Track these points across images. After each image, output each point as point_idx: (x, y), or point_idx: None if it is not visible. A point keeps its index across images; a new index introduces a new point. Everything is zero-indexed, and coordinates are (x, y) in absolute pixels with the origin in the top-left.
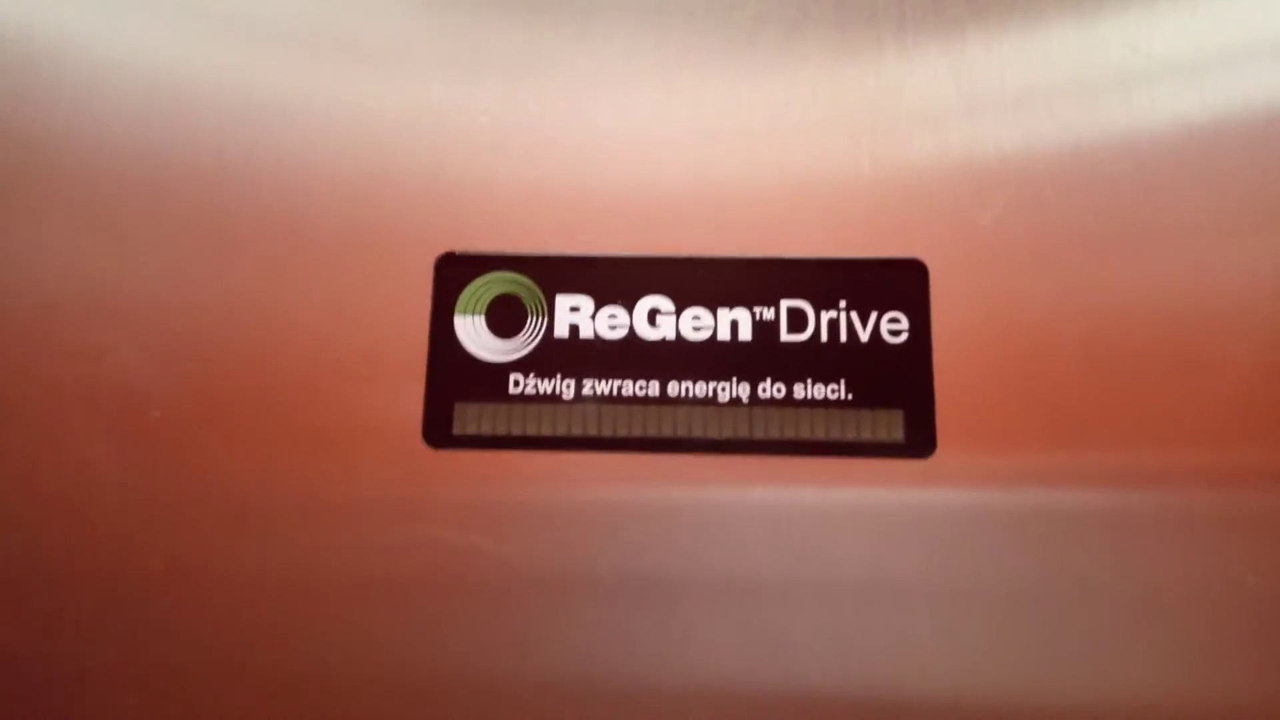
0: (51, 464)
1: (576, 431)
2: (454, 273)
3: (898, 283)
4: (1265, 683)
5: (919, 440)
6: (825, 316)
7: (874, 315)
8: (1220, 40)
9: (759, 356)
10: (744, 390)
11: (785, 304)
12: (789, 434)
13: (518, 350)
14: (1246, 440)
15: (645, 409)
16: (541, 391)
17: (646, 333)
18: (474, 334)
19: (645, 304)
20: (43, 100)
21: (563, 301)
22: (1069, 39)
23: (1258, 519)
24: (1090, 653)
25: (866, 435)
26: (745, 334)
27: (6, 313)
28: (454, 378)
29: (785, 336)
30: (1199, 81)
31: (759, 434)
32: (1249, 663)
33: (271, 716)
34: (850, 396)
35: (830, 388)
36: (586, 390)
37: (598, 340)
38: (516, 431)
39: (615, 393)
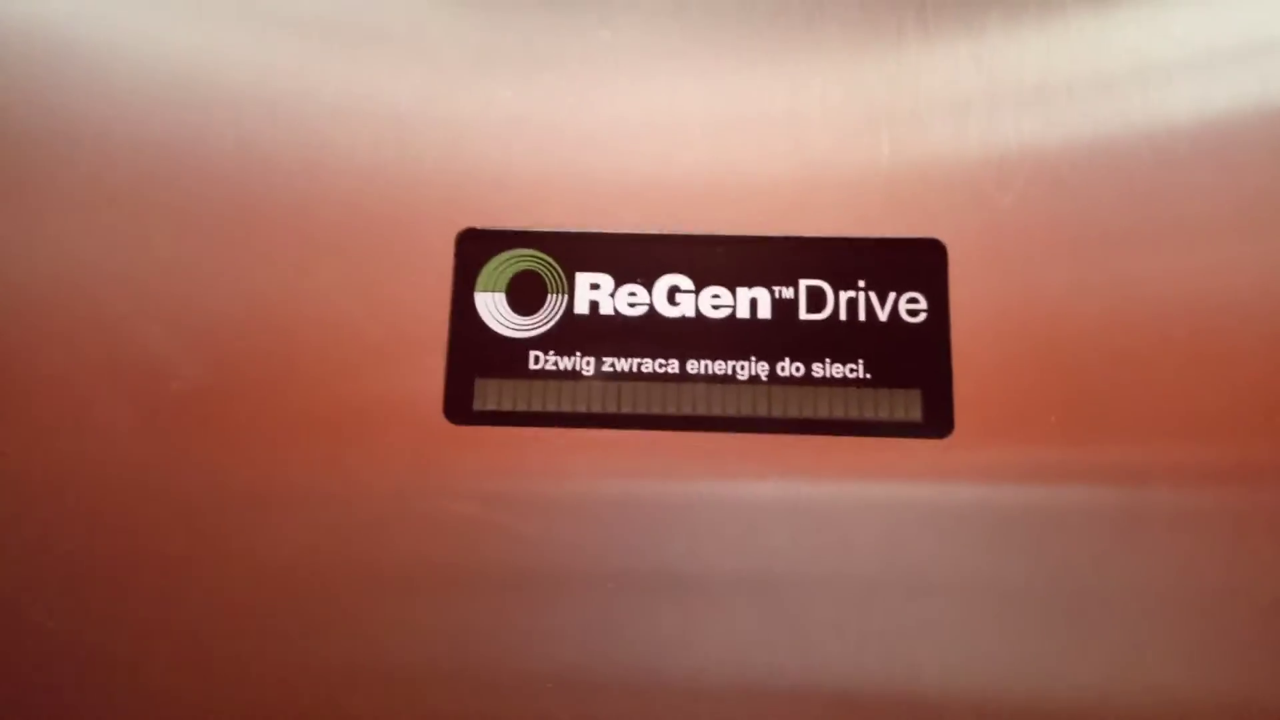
0: (74, 435)
1: (596, 408)
2: (475, 249)
3: (916, 263)
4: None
5: (936, 420)
6: (844, 296)
7: (892, 295)
8: (1239, 30)
9: (778, 335)
10: (763, 369)
11: (804, 283)
12: (807, 413)
13: (538, 327)
14: (1260, 420)
15: (664, 386)
16: (561, 368)
17: (666, 310)
18: (495, 310)
19: (665, 282)
20: (63, 86)
21: (583, 279)
22: (1088, 25)
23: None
24: (1103, 638)
25: (884, 414)
26: (764, 312)
27: (33, 290)
28: (475, 354)
29: (804, 315)
30: (1218, 71)
31: (777, 412)
32: (1263, 657)
33: (287, 693)
34: (868, 376)
35: (849, 367)
36: (606, 367)
37: (618, 317)
38: (536, 407)
39: (635, 370)
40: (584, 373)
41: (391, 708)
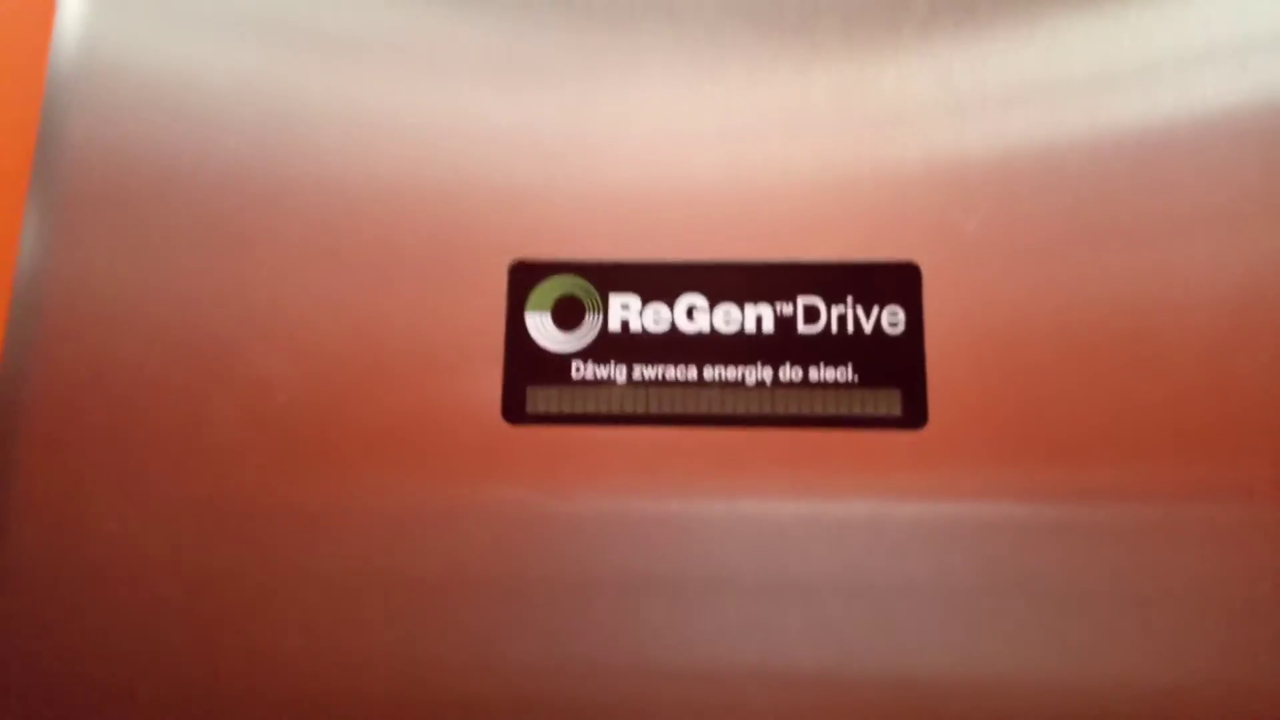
0: (194, 437)
1: (628, 410)
2: (524, 277)
3: (896, 282)
4: (1232, 670)
5: (913, 414)
6: (835, 311)
7: (876, 310)
8: (1172, 50)
9: (779, 345)
10: (767, 374)
11: (801, 301)
12: (805, 410)
13: (578, 342)
14: (1199, 414)
15: (684, 390)
16: (599, 376)
17: (685, 326)
18: (542, 328)
19: (684, 302)
20: (174, 128)
21: (615, 300)
22: (1039, 60)
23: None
24: (1058, 616)
25: (869, 410)
26: (768, 326)
27: (155, 313)
28: (526, 365)
29: (801, 328)
30: (1153, 90)
31: (780, 410)
32: (1226, 651)
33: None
34: (856, 378)
35: (839, 371)
36: (636, 375)
37: (644, 333)
38: (579, 410)
39: (659, 377)
40: (617, 380)
41: (471, 687)
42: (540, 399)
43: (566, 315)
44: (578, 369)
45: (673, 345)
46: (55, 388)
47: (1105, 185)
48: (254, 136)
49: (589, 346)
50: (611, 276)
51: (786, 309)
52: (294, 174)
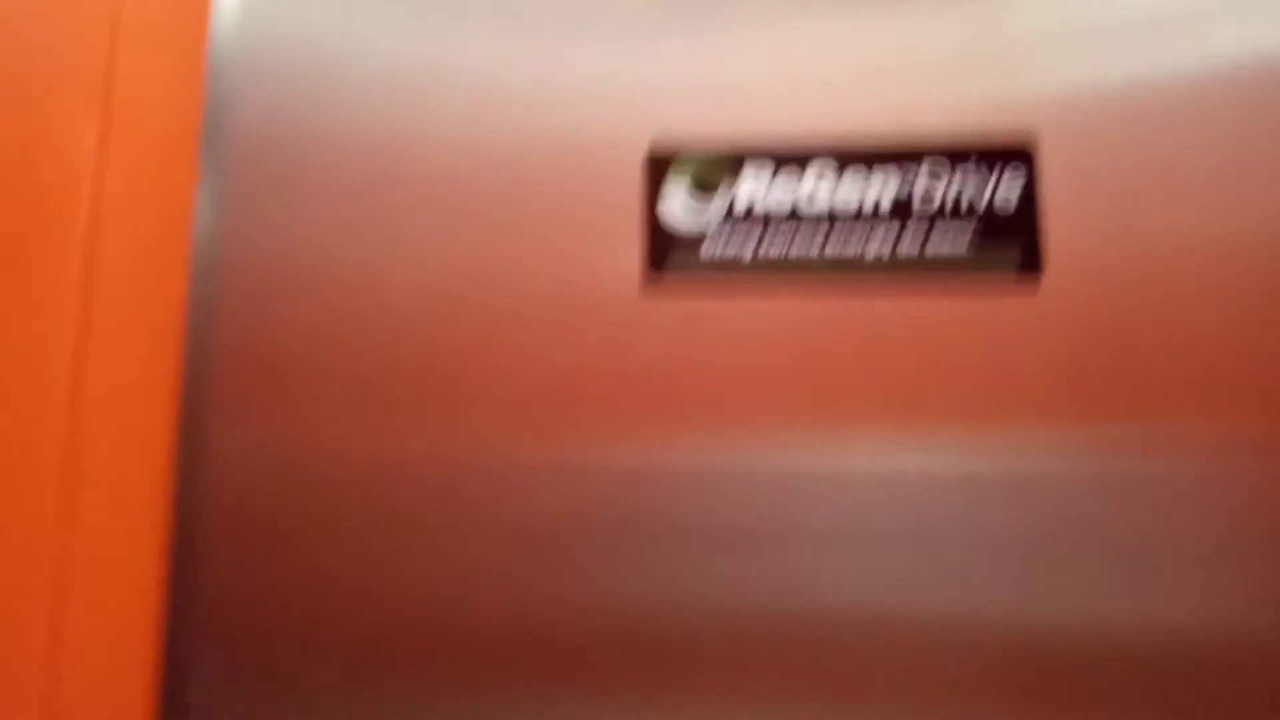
0: (360, 379)
1: (755, 285)
2: (660, 162)
3: (1013, 158)
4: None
5: (1028, 278)
6: (954, 188)
7: (991, 186)
8: None
9: (898, 218)
10: (886, 249)
11: (923, 167)
12: (923, 278)
13: (709, 223)
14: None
15: (808, 266)
16: (727, 255)
17: (806, 209)
18: (675, 212)
19: (808, 183)
20: (328, 95)
21: (745, 178)
22: None
23: None
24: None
25: (986, 274)
26: (886, 203)
27: (300, 264)
28: (661, 245)
29: (919, 204)
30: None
31: (899, 279)
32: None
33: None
34: (977, 242)
35: (955, 241)
36: (762, 254)
37: (769, 214)
38: (710, 285)
39: (784, 255)
40: (744, 258)
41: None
42: (673, 276)
43: (698, 199)
44: (708, 248)
45: (796, 224)
46: (236, 340)
47: (1209, 102)
48: (402, 98)
49: (719, 228)
50: (741, 156)
51: (908, 178)
52: (429, 129)
